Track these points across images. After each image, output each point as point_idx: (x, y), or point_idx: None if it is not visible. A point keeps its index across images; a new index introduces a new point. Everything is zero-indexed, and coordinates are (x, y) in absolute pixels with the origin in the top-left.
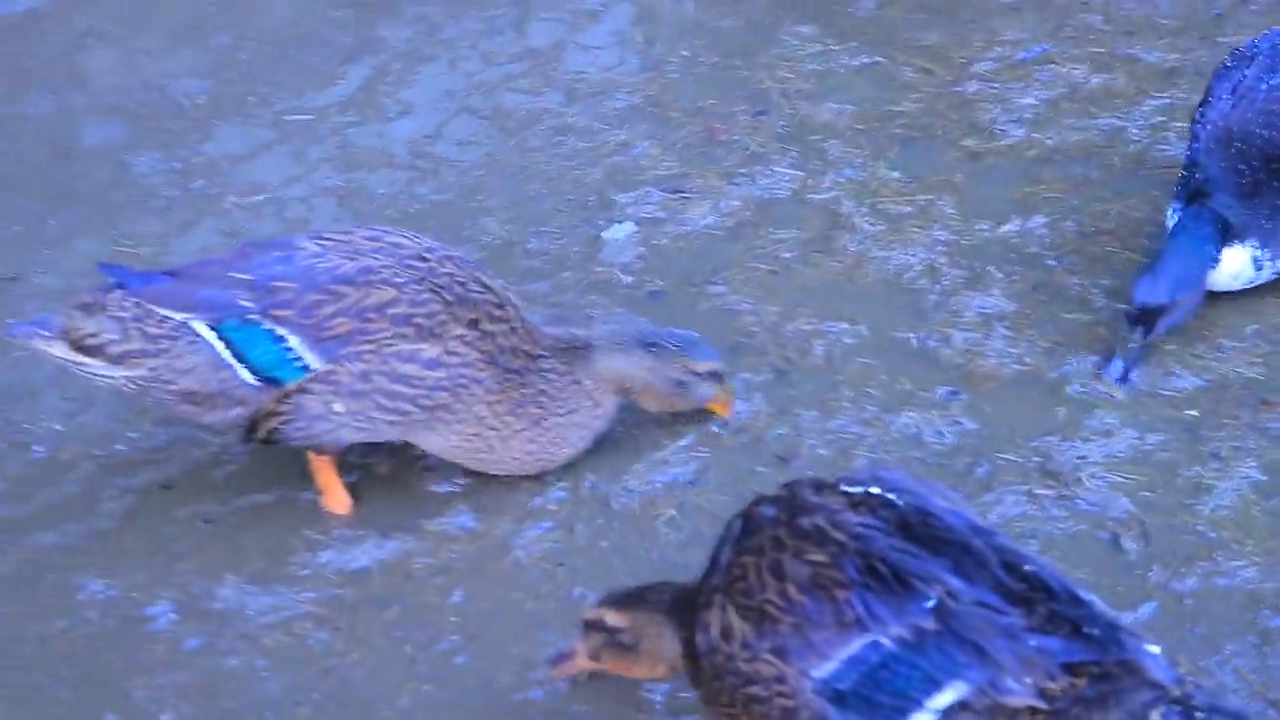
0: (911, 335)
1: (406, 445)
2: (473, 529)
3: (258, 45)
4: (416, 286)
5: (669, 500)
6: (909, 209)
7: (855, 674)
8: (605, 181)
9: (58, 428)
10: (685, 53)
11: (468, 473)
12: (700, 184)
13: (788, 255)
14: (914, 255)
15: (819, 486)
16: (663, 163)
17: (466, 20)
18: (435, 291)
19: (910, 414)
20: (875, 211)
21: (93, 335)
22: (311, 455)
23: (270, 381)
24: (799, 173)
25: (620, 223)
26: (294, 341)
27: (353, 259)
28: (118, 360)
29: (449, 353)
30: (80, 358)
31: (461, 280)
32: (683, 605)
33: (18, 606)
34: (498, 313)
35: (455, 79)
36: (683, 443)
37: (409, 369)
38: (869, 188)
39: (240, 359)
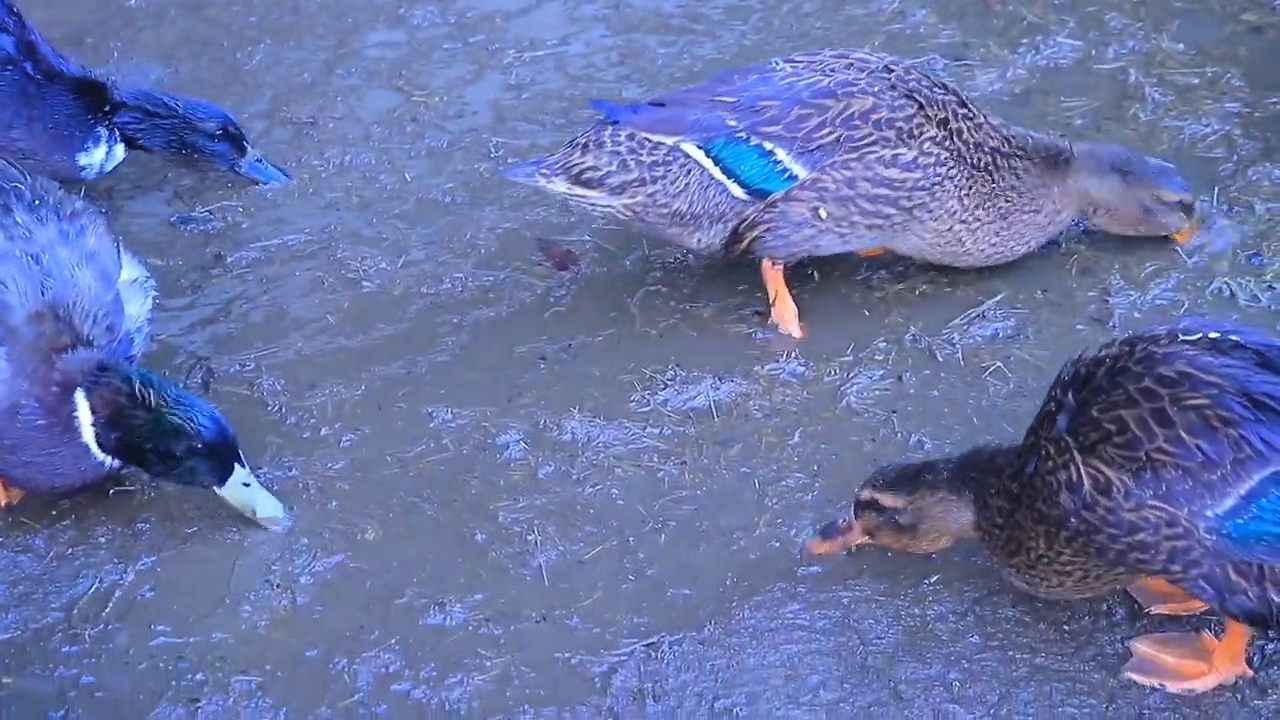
0: (1211, 201)
1: (729, 292)
2: (802, 374)
3: None
4: (891, 93)
5: (992, 353)
6: (1196, 80)
7: (1256, 507)
8: (886, 47)
9: (384, 265)
10: None
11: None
12: (983, 53)
13: (1080, 122)
14: (1207, 125)
15: (1155, 339)
16: (942, 31)
17: None
18: (909, 96)
19: (1221, 279)
20: (1163, 81)
21: (593, 169)
22: (766, 266)
23: (758, 193)
24: (1080, 42)
25: None
26: (781, 154)
27: (828, 75)
28: (617, 190)
29: (923, 153)
30: (581, 191)
31: (927, 84)
32: (971, 475)
33: (374, 429)
34: (961, 110)
35: None
36: (997, 299)
37: (891, 173)
38: (1154, 58)
39: (730, 175)
